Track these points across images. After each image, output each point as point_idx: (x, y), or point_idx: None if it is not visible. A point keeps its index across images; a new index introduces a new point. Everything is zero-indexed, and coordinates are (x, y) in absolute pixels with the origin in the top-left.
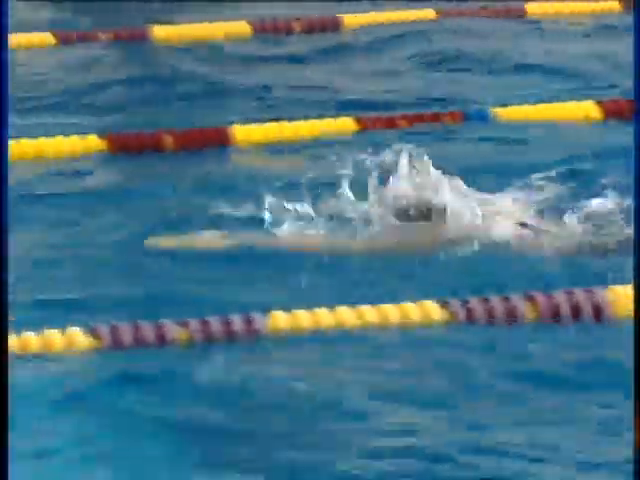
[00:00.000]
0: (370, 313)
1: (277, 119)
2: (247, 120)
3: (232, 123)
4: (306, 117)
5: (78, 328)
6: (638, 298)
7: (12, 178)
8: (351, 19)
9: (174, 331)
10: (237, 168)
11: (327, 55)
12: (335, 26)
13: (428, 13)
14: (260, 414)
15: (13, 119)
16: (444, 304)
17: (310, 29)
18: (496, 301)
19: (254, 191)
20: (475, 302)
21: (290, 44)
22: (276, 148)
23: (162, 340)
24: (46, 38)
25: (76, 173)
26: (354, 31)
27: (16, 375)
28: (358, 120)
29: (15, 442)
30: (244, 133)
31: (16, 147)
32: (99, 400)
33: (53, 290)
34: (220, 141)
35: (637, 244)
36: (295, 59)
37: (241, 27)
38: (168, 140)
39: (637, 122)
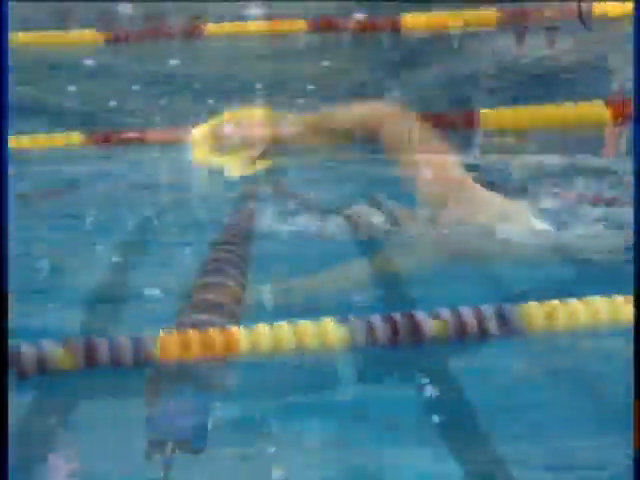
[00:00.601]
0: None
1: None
2: (494, 105)
3: (479, 107)
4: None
5: (330, 319)
6: (638, 298)
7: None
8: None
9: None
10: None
11: None
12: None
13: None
14: None
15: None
16: None
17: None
18: None
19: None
20: None
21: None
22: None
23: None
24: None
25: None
26: None
27: None
28: None
29: None
30: (492, 117)
31: None
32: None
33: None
34: (467, 126)
35: (637, 245)
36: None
37: (489, 15)
38: None
39: (637, 122)
